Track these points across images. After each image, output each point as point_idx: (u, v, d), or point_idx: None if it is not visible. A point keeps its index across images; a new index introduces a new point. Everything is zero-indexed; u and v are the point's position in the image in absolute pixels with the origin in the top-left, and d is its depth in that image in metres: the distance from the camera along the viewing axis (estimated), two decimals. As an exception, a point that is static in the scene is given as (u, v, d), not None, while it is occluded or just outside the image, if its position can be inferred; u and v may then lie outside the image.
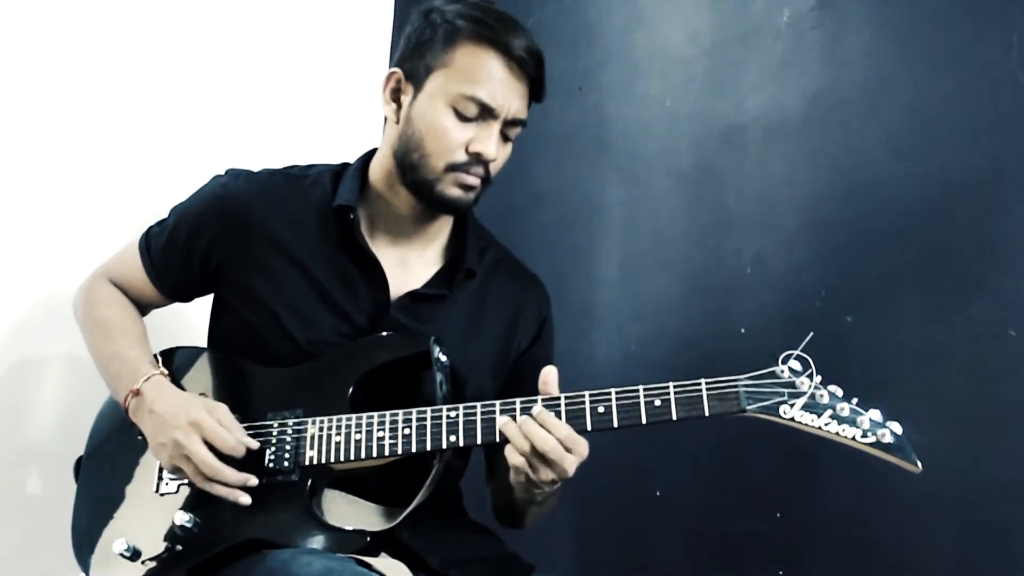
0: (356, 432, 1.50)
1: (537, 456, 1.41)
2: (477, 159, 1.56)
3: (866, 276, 1.93)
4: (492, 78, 1.53)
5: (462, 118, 1.54)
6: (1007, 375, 1.76)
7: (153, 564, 1.51)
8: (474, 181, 1.58)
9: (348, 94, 2.54)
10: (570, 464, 1.41)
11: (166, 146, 2.25)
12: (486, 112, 1.54)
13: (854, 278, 1.95)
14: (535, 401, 1.45)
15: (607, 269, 2.33)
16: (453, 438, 1.47)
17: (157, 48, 2.23)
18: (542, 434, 1.40)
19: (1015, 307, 1.76)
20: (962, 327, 1.81)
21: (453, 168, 1.56)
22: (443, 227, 1.70)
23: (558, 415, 1.43)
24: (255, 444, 1.52)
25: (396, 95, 1.61)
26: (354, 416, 1.52)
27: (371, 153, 1.71)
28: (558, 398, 1.44)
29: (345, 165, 1.72)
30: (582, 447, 1.42)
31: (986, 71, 1.82)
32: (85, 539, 1.59)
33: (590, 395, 1.43)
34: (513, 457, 1.42)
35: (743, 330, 2.04)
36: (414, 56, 1.58)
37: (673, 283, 2.21)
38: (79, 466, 1.70)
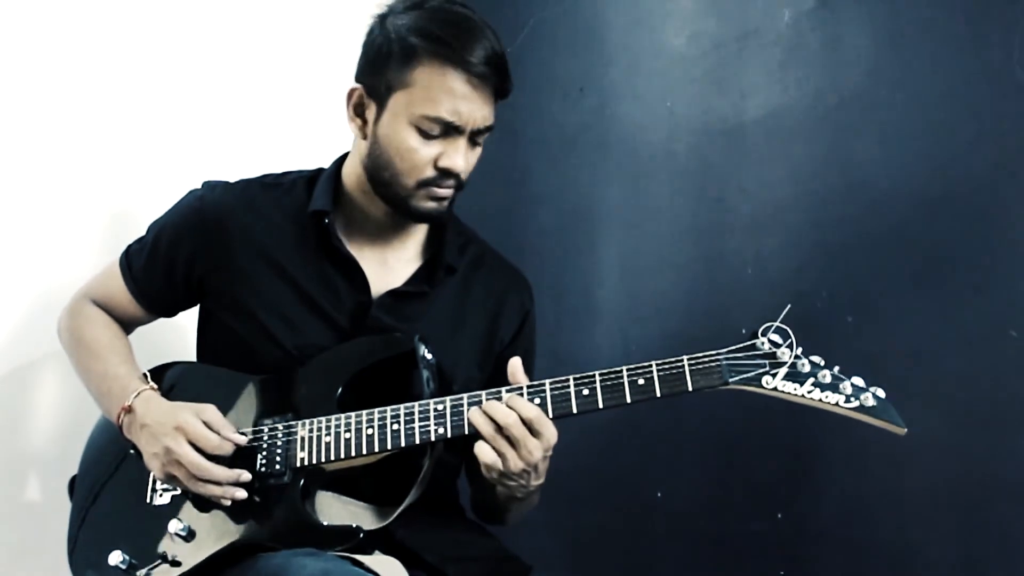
0: (345, 431, 1.51)
1: (503, 438, 1.42)
2: (446, 173, 1.57)
3: (867, 276, 1.93)
4: (454, 95, 1.52)
5: (427, 136, 1.54)
6: (1008, 375, 1.76)
7: (150, 574, 1.52)
8: (446, 193, 1.59)
9: (324, 98, 2.53)
10: (535, 448, 1.43)
11: (163, 152, 2.25)
12: (451, 129, 1.54)
13: (855, 278, 1.95)
14: (521, 388, 1.46)
15: (608, 269, 2.33)
16: (441, 430, 1.48)
17: (142, 58, 2.22)
18: (503, 410, 1.42)
19: (1016, 307, 1.76)
20: (963, 327, 1.81)
21: (424, 184, 1.57)
22: (421, 225, 1.70)
23: (544, 400, 1.44)
24: (243, 439, 1.54)
25: (360, 110, 1.61)
26: (343, 416, 1.53)
27: (344, 156, 1.71)
28: (543, 383, 1.46)
29: (320, 170, 1.73)
30: (549, 431, 1.43)
31: (986, 71, 1.82)
32: (81, 554, 1.61)
33: (574, 378, 1.45)
34: (482, 453, 1.43)
35: (743, 330, 2.03)
36: (373, 72, 1.57)
37: (674, 283, 2.21)
38: (73, 485, 1.71)
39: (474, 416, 1.44)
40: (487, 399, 1.46)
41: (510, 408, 1.43)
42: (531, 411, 1.42)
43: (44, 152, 2.07)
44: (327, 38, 2.57)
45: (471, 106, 1.53)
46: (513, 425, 1.42)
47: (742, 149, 2.14)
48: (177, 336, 1.93)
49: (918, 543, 1.84)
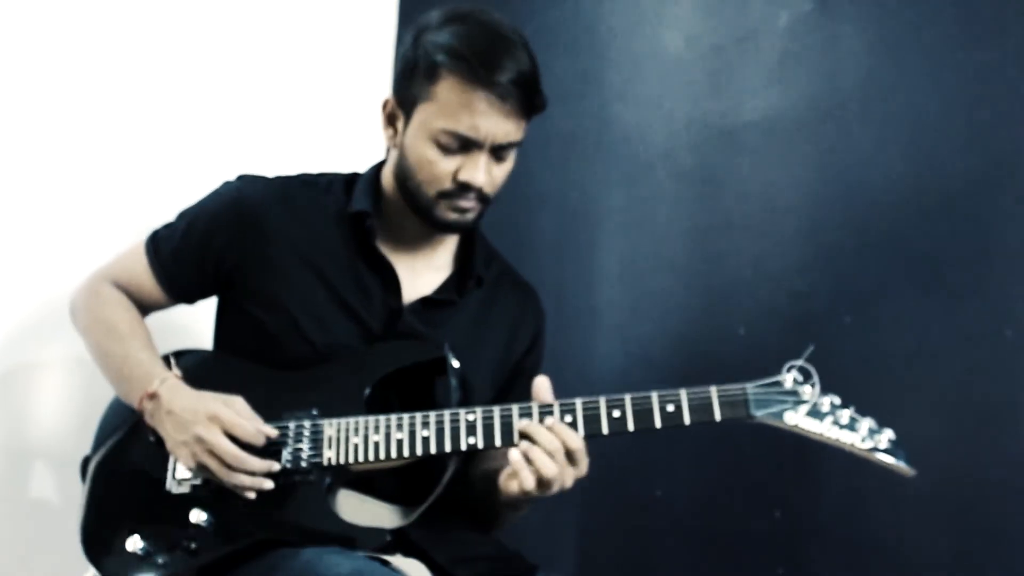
0: (374, 433, 1.52)
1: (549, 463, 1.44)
2: (466, 187, 1.57)
3: (864, 277, 1.95)
4: (473, 112, 1.52)
5: (445, 150, 1.55)
6: (1004, 375, 1.77)
7: (167, 562, 1.52)
8: (468, 205, 1.59)
9: (354, 102, 2.54)
10: (570, 476, 1.46)
11: (169, 150, 2.26)
12: (469, 143, 1.54)
13: (852, 279, 1.97)
14: (551, 406, 1.47)
15: (607, 271, 2.34)
16: (472, 440, 1.48)
17: (160, 52, 2.23)
18: (547, 436, 1.44)
19: (1011, 308, 1.77)
20: (959, 328, 1.82)
21: (444, 196, 1.58)
22: (452, 235, 1.71)
23: (575, 419, 1.46)
24: (274, 432, 1.53)
25: (392, 120, 1.63)
26: (371, 418, 1.53)
27: (383, 163, 1.72)
28: (573, 402, 1.47)
29: (355, 174, 1.73)
30: (585, 463, 1.47)
31: (982, 73, 1.84)
32: (96, 538, 1.59)
33: (606, 400, 1.47)
34: (525, 479, 1.44)
35: (742, 331, 2.05)
36: (402, 84, 1.59)
37: (673, 284, 2.22)
38: (85, 466, 1.69)
39: (525, 447, 1.45)
40: (520, 415, 1.48)
41: (554, 434, 1.44)
42: (576, 443, 1.44)
43: (54, 147, 2.08)
44: (359, 44, 2.59)
45: (490, 122, 1.53)
46: (557, 452, 1.44)
47: (740, 151, 2.15)
48: (187, 323, 1.92)
49: (916, 541, 1.85)
